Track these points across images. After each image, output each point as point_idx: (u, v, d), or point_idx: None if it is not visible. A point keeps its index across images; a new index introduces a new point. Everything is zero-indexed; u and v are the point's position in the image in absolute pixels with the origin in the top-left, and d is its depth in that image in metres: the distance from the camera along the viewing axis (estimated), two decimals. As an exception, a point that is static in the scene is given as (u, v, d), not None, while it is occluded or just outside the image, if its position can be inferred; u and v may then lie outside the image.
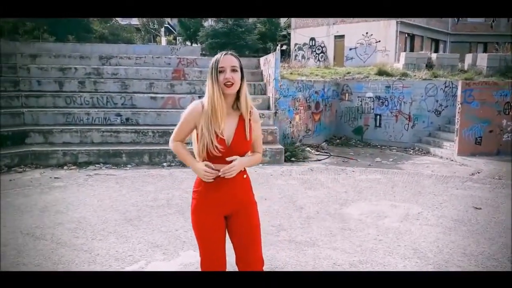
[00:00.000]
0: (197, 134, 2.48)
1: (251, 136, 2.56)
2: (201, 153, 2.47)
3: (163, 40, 24.93)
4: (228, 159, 2.46)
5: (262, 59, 11.79)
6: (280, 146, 9.14)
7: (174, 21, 32.39)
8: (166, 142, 9.64)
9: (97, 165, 8.09)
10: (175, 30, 31.12)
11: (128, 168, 8.03)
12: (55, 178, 7.17)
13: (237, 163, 2.48)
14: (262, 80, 11.27)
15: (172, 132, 2.57)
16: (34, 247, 4.31)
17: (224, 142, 2.45)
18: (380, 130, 12.33)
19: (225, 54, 2.46)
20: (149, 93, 10.21)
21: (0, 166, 7.64)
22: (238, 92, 2.49)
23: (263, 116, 9.95)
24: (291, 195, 6.33)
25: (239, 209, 2.59)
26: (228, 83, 2.42)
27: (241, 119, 2.53)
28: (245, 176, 2.62)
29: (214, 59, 2.46)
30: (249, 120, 2.55)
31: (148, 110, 9.73)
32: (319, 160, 9.58)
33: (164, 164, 8.37)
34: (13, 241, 4.45)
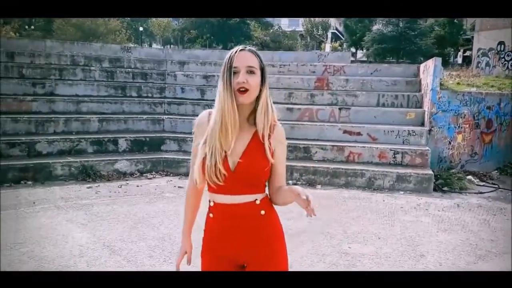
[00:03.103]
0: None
1: (273, 158, 1.88)
2: (197, 177, 1.87)
3: (327, 47, 24.23)
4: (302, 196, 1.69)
5: (421, 66, 10.21)
6: (430, 172, 7.60)
7: (341, 27, 31.43)
8: (296, 158, 8.80)
9: (222, 176, 7.95)
10: (342, 36, 30.10)
11: (251, 181, 7.67)
12: (178, 187, 7.23)
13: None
14: (419, 90, 9.75)
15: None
16: (104, 262, 4.20)
17: (227, 166, 1.82)
18: None
19: (240, 50, 1.84)
20: (287, 103, 9.71)
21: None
22: (257, 100, 1.87)
23: (414, 134, 8.54)
24: (415, 237, 5.07)
25: (255, 261, 1.92)
26: (241, 89, 1.79)
27: (256, 135, 1.87)
28: (263, 212, 1.89)
29: (227, 55, 1.85)
30: (269, 137, 1.87)
31: (283, 122, 9.23)
32: (481, 193, 7.61)
33: (289, 182, 7.75)
34: (90, 252, 4.43)
